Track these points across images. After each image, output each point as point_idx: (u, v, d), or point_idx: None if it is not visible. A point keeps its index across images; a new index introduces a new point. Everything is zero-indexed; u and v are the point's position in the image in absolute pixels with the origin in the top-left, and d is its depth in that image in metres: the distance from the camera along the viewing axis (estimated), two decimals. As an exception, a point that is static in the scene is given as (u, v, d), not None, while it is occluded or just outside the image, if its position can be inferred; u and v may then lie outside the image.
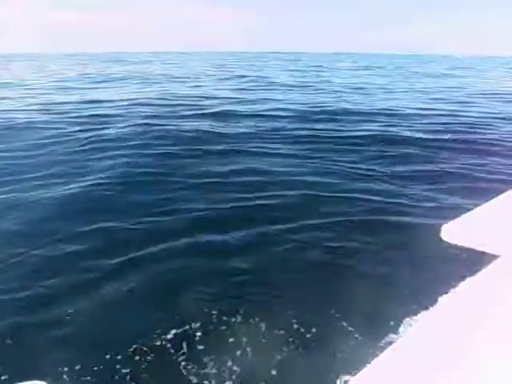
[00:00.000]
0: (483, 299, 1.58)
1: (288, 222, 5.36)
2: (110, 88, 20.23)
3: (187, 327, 3.38)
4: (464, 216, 1.92)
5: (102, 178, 6.90)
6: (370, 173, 7.54)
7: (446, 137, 10.25)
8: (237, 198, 6.22)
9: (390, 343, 1.39)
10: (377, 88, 21.95)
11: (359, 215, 5.64)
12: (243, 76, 28.10)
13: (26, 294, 3.85)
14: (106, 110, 13.40)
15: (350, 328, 3.33)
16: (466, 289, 1.77)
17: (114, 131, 10.19)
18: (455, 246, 1.74)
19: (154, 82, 23.25)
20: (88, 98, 16.05)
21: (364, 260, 4.47)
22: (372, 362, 1.31)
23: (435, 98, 17.91)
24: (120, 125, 10.87)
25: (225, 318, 3.49)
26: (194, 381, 2.89)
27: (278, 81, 24.93)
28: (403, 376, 1.26)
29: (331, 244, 4.86)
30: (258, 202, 6.11)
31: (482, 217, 1.97)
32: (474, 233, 1.83)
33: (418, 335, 1.45)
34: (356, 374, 1.27)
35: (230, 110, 13.17)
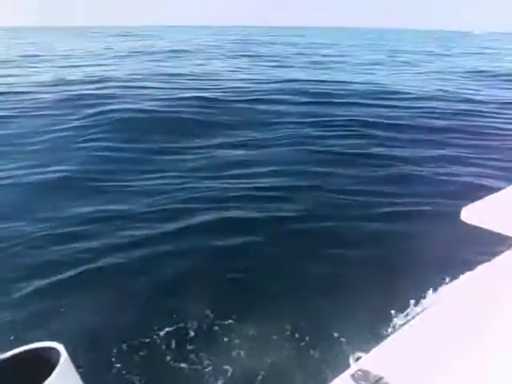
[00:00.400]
0: (496, 284, 1.60)
1: (291, 216, 5.26)
2: (114, 65, 19.98)
3: (181, 325, 3.32)
4: (484, 199, 2.00)
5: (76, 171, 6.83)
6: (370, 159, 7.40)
7: (437, 122, 10.06)
8: (230, 189, 6.07)
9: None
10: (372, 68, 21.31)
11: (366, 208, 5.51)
12: (245, 55, 27.17)
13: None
14: (106, 90, 13.15)
15: (355, 316, 3.27)
16: (479, 274, 1.80)
17: (105, 116, 9.93)
18: (473, 229, 1.82)
19: (156, 60, 22.85)
20: (91, 76, 15.79)
21: (373, 250, 4.43)
22: (378, 346, 1.36)
23: (427, 78, 17.62)
24: (112, 107, 10.64)
25: (220, 316, 3.42)
26: (189, 380, 2.87)
27: (279, 59, 24.32)
28: (411, 358, 1.29)
29: (337, 236, 4.82)
30: (258, 193, 5.99)
31: (502, 200, 2.03)
32: (493, 215, 1.88)
33: (431, 318, 1.47)
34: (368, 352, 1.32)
35: (221, 96, 12.45)
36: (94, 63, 20.90)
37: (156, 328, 3.28)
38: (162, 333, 3.24)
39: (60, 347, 1.01)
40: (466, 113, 11.12)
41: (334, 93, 13.27)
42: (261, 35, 61.83)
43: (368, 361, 1.30)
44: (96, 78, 15.25)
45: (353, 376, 1.23)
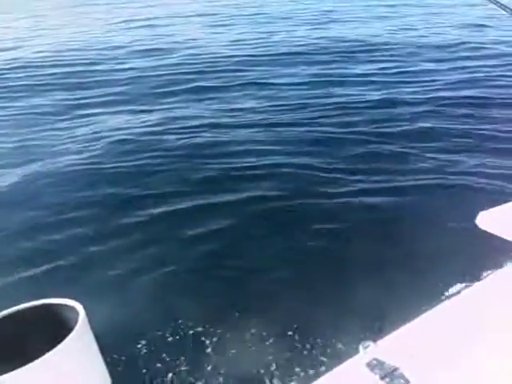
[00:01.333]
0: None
1: (290, 203, 4.96)
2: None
3: (178, 323, 3.28)
4: (502, 206, 1.94)
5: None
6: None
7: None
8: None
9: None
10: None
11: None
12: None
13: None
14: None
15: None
16: (499, 273, 1.80)
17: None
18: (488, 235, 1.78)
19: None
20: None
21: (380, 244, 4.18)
22: (388, 336, 1.39)
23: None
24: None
25: (220, 313, 3.38)
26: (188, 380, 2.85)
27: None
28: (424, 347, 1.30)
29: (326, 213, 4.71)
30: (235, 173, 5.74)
31: None
32: (509, 224, 1.81)
33: (444, 312, 1.47)
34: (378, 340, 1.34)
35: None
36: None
37: (155, 329, 3.23)
38: (159, 332, 3.18)
39: (79, 307, 0.98)
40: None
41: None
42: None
43: (380, 350, 1.32)
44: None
45: (369, 364, 1.28)
